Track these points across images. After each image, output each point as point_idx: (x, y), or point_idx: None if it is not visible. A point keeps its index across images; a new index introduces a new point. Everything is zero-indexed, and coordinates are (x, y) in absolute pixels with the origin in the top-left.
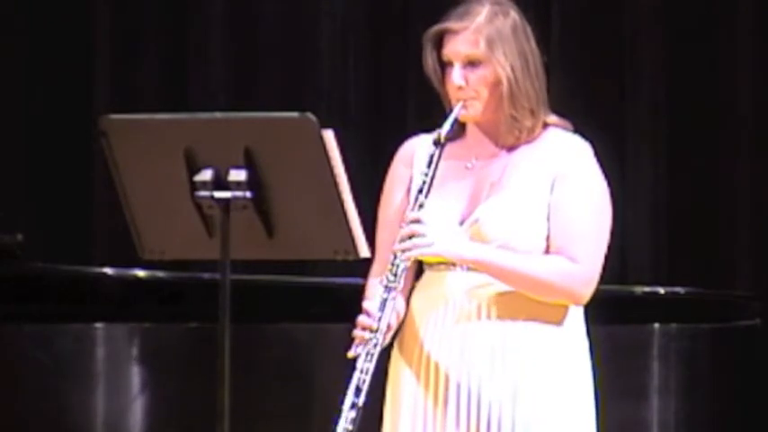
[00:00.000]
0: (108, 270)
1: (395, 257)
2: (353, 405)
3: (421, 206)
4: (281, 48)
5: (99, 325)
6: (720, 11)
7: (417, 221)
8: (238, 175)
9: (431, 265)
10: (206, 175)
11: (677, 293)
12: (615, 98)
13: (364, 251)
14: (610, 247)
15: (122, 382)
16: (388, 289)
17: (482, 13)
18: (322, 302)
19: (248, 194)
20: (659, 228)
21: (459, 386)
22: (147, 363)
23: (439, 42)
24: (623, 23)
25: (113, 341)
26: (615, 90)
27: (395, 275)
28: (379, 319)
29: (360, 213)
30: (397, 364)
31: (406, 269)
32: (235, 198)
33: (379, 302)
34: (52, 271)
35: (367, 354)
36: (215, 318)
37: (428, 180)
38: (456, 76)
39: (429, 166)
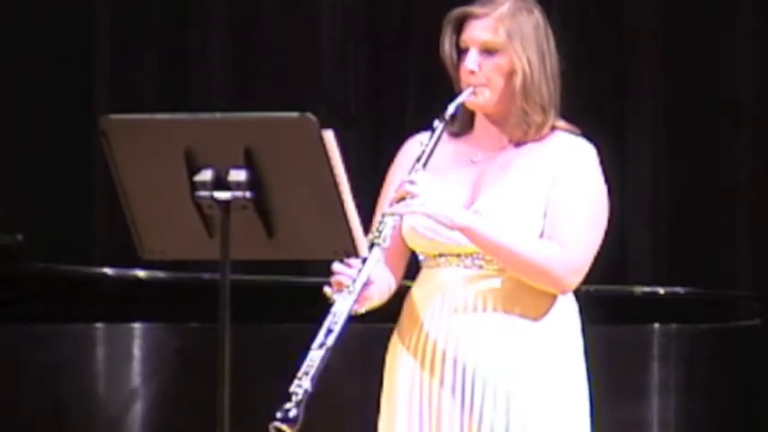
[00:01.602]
0: (108, 270)
1: (383, 216)
2: (322, 345)
3: (416, 172)
4: (281, 48)
5: (99, 325)
6: (721, 10)
7: (412, 183)
8: (238, 175)
9: (428, 260)
10: (206, 175)
11: (677, 293)
12: (615, 98)
13: (364, 251)
14: (610, 248)
15: (122, 382)
16: (372, 245)
17: (506, 5)
18: (322, 302)
19: (248, 194)
20: (659, 228)
21: (454, 377)
22: (147, 363)
23: (459, 27)
24: (624, 23)
25: (113, 341)
26: (615, 90)
27: (380, 232)
28: (360, 270)
29: (360, 213)
30: (394, 353)
31: (393, 228)
32: (235, 198)
33: (361, 256)
34: (52, 271)
35: (342, 298)
36: (215, 318)
37: (427, 150)
38: (470, 60)
39: (430, 138)
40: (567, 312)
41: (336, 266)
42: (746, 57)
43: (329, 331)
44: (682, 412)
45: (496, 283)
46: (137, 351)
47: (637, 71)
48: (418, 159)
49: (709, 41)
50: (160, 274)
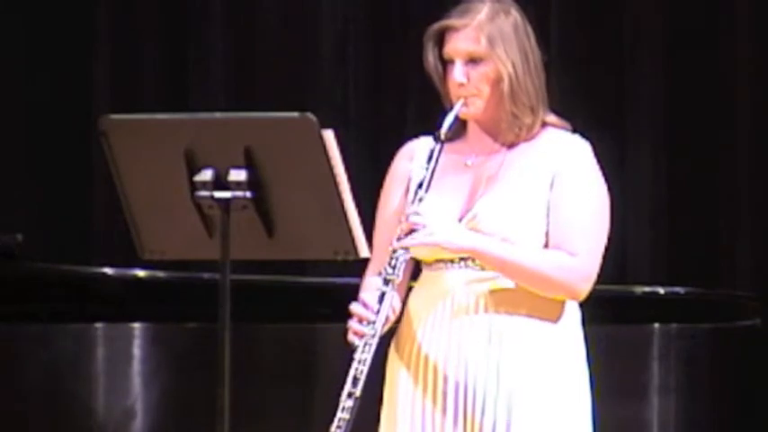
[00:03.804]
0: (108, 270)
1: (394, 251)
2: (350, 395)
3: (420, 200)
4: (281, 48)
5: (99, 325)
6: (720, 10)
7: (416, 214)
8: (238, 175)
9: (429, 264)
10: (206, 175)
11: (677, 293)
12: (615, 98)
13: (364, 251)
14: (610, 247)
15: (122, 382)
16: (386, 282)
17: (483, 11)
18: (322, 302)
19: (248, 194)
20: (659, 228)
21: (456, 384)
22: (146, 363)
23: (440, 40)
24: (623, 23)
25: (113, 341)
26: (615, 90)
27: (393, 268)
28: (378, 311)
29: (360, 213)
30: (393, 363)
31: (405, 262)
32: (235, 198)
33: (377, 295)
34: (52, 271)
35: (365, 344)
36: (215, 318)
37: (428, 175)
38: (457, 73)
39: (429, 161)
40: (569, 314)
41: (355, 309)
42: (746, 56)
43: (356, 380)
44: (682, 412)
45: (498, 284)
46: (137, 351)
47: (637, 70)
48: (420, 186)
49: (709, 41)
50: (160, 274)
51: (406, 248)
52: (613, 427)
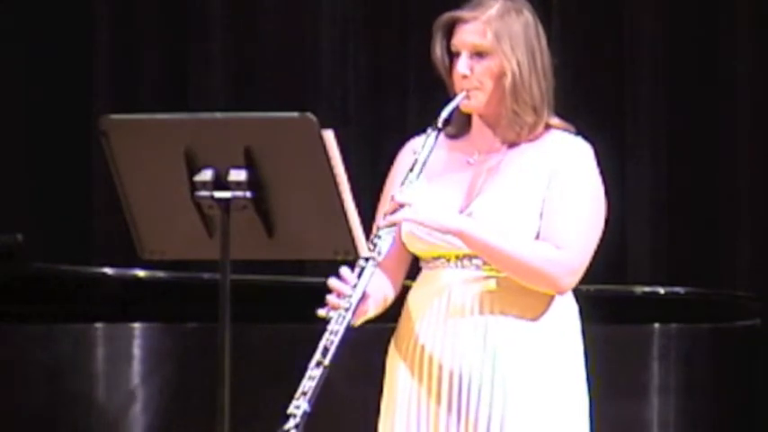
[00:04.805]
0: (108, 270)
1: (378, 229)
2: (319, 364)
3: (410, 183)
4: (281, 48)
5: (99, 325)
6: (720, 10)
7: (402, 193)
8: (238, 175)
9: (427, 262)
10: (206, 175)
11: (677, 293)
12: (615, 98)
13: (364, 251)
14: (610, 248)
15: (122, 382)
16: (366, 259)
17: (494, 7)
18: (322, 302)
19: (248, 194)
20: (659, 228)
21: (451, 379)
22: (146, 363)
23: (449, 32)
24: (624, 23)
25: (113, 341)
26: (615, 90)
27: (374, 245)
28: (354, 285)
29: (360, 213)
30: (393, 358)
31: (388, 240)
32: (235, 198)
33: (357, 270)
34: (52, 271)
35: (338, 316)
36: (215, 318)
37: (420, 159)
38: (461, 64)
39: (423, 147)
40: (566, 313)
41: (332, 282)
42: (746, 57)
43: (326, 350)
44: (682, 412)
45: (495, 284)
46: (137, 351)
47: (637, 71)
48: (411, 170)
49: (709, 40)
50: (160, 274)
51: (392, 226)
52: (613, 426)
